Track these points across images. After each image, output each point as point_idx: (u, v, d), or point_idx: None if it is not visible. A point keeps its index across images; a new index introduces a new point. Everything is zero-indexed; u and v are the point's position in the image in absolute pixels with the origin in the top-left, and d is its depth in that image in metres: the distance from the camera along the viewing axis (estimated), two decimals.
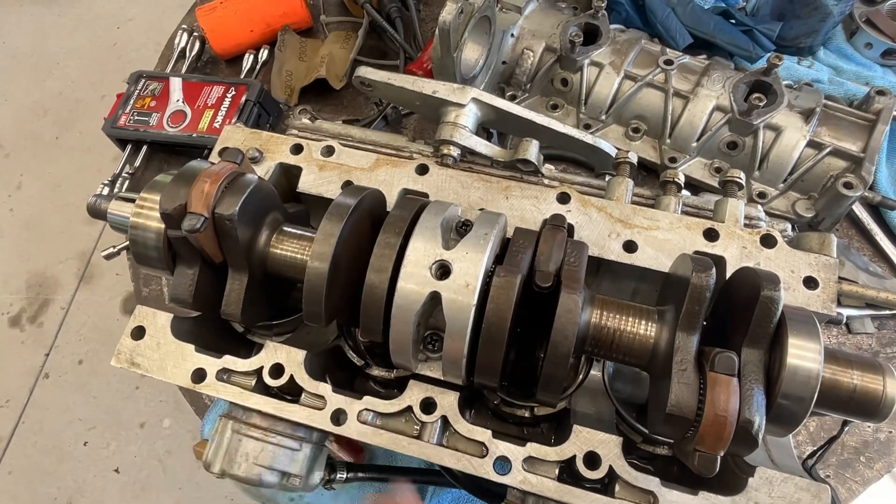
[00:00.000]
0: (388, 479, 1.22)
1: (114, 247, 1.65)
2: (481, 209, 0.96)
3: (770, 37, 1.64)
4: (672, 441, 0.83)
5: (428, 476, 1.22)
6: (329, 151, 1.04)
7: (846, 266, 1.43)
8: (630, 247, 0.92)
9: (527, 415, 0.98)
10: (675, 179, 1.00)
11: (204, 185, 0.82)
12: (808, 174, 1.45)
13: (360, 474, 1.11)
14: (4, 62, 4.89)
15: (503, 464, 0.82)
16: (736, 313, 0.76)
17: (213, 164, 0.88)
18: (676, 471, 0.93)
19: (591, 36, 1.63)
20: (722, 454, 0.70)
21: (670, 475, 0.86)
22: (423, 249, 0.77)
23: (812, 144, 1.43)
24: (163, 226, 0.88)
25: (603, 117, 1.62)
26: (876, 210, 1.52)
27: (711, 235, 0.92)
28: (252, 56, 1.81)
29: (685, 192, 1.07)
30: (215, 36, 1.81)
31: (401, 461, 1.33)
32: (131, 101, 1.77)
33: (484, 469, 0.82)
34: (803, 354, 0.70)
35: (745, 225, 0.97)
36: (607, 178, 1.10)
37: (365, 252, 0.81)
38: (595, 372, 0.98)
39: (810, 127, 1.42)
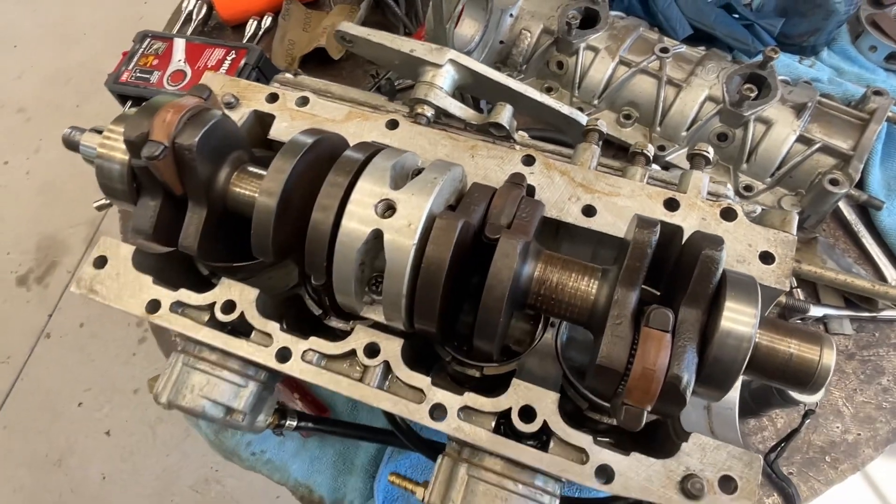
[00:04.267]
0: (343, 434, 1.22)
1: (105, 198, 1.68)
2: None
3: (771, 32, 1.63)
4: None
5: (382, 436, 1.22)
6: (304, 102, 1.06)
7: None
8: (589, 211, 0.92)
9: (477, 375, 0.98)
10: (644, 151, 1.00)
11: (167, 115, 0.84)
12: (796, 170, 1.43)
13: (310, 424, 1.12)
14: (33, 31, 5.01)
15: (439, 412, 0.83)
16: (684, 277, 0.76)
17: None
18: (624, 440, 0.92)
19: (591, 21, 1.63)
20: (649, 409, 0.69)
21: (621, 445, 0.85)
22: (369, 189, 0.78)
23: (802, 140, 1.41)
24: (127, 157, 0.90)
25: (596, 102, 1.62)
26: (865, 212, 1.50)
27: (672, 205, 0.91)
28: (256, 22, 1.83)
29: (655, 167, 1.07)
30: (222, 1, 1.83)
31: (363, 420, 1.33)
32: (135, 59, 1.81)
33: (419, 414, 0.82)
34: (738, 318, 0.69)
35: (712, 200, 0.96)
36: None
37: (319, 192, 0.82)
38: (549, 336, 0.98)
39: (801, 122, 1.41)
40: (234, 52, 1.75)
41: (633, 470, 0.77)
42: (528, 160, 0.96)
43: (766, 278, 0.85)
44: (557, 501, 0.84)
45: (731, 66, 1.50)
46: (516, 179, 0.92)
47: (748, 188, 1.47)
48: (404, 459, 1.31)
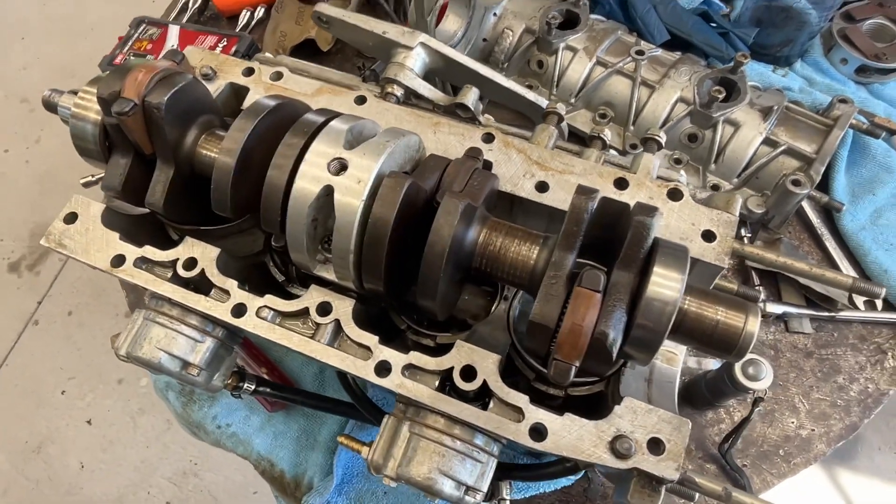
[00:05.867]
0: (303, 404, 1.25)
1: (92, 175, 1.72)
2: None
3: (745, 41, 1.68)
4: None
5: (343, 408, 1.25)
6: (278, 76, 1.10)
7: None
8: (542, 187, 0.95)
9: (431, 344, 1.01)
10: (601, 135, 1.04)
11: (138, 74, 0.88)
12: (761, 171, 1.47)
13: (268, 389, 1.15)
14: (42, 24, 5.09)
15: (384, 369, 0.85)
16: (621, 243, 0.79)
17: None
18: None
19: (571, 23, 1.67)
20: (577, 364, 0.72)
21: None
22: (323, 150, 0.81)
23: (768, 142, 1.45)
24: (100, 117, 0.94)
25: (573, 101, 1.66)
26: (829, 216, 1.54)
27: (621, 184, 0.95)
28: (249, 13, 1.89)
29: (613, 152, 1.10)
30: None
31: (328, 393, 1.36)
32: (129, 43, 1.86)
33: (365, 371, 0.85)
34: (664, 283, 0.72)
35: (662, 181, 1.00)
36: None
37: None
38: (503, 308, 1.01)
39: (768, 125, 1.45)
40: (225, 39, 1.80)
41: (566, 429, 0.80)
42: (488, 137, 1.00)
43: (707, 255, 0.88)
44: (495, 462, 0.86)
45: (703, 70, 1.54)
46: (473, 153, 0.95)
47: (715, 187, 1.50)
48: (365, 435, 1.33)
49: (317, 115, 0.87)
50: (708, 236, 0.90)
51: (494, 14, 1.70)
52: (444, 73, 1.19)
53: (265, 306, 0.91)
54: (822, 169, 1.39)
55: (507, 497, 1.11)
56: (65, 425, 3.58)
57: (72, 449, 3.51)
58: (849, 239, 1.49)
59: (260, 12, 1.89)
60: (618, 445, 0.77)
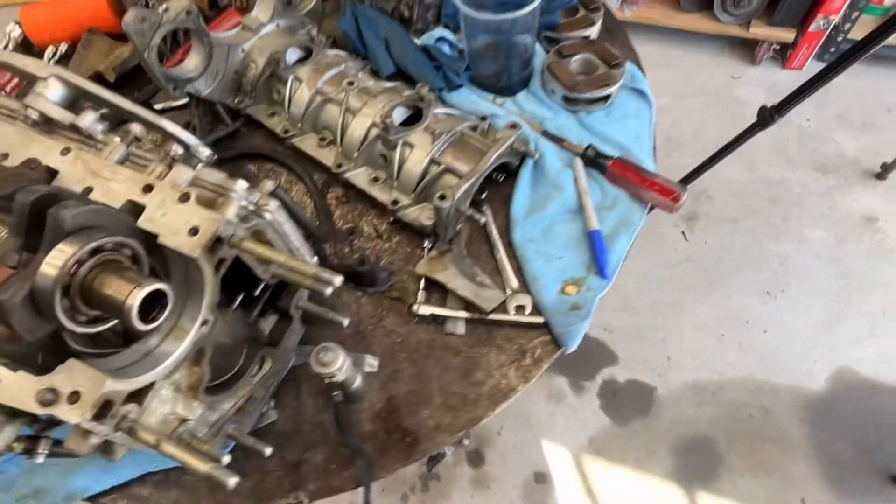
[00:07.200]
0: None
1: None
2: None
3: (458, 72, 1.86)
4: None
5: None
6: None
7: (450, 271, 1.60)
8: (88, 191, 1.15)
9: None
10: (172, 154, 1.23)
11: None
12: (431, 187, 1.64)
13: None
14: None
15: None
16: None
17: None
18: None
19: (307, 56, 1.89)
20: None
21: None
22: None
23: (434, 162, 1.62)
24: None
25: (300, 125, 1.86)
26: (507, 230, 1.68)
27: (148, 189, 1.13)
28: (54, 49, 2.16)
29: (207, 169, 1.28)
30: (30, 29, 2.17)
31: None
32: None
33: None
34: (53, 260, 0.90)
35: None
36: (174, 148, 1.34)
37: None
38: None
39: (436, 147, 1.62)
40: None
41: (16, 383, 0.97)
42: (65, 151, 1.20)
43: (184, 245, 1.06)
44: None
45: (398, 99, 1.73)
46: (31, 164, 1.16)
47: (395, 202, 1.67)
48: None
49: None
50: (193, 231, 1.07)
51: (242, 50, 1.93)
52: (88, 98, 1.40)
53: None
54: (467, 186, 1.55)
55: None
56: None
57: None
58: (517, 250, 1.64)
59: (63, 48, 2.16)
60: (45, 396, 0.94)
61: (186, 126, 1.95)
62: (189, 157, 1.36)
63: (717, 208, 4.18)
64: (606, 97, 1.82)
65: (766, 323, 3.70)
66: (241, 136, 2.01)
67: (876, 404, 3.41)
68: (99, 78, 2.10)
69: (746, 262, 3.94)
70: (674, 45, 4.96)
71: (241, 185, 1.20)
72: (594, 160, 1.70)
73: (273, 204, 1.24)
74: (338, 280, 1.07)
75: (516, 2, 1.71)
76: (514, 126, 1.65)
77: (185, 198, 1.12)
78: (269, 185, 1.31)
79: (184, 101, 2.07)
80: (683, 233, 4.09)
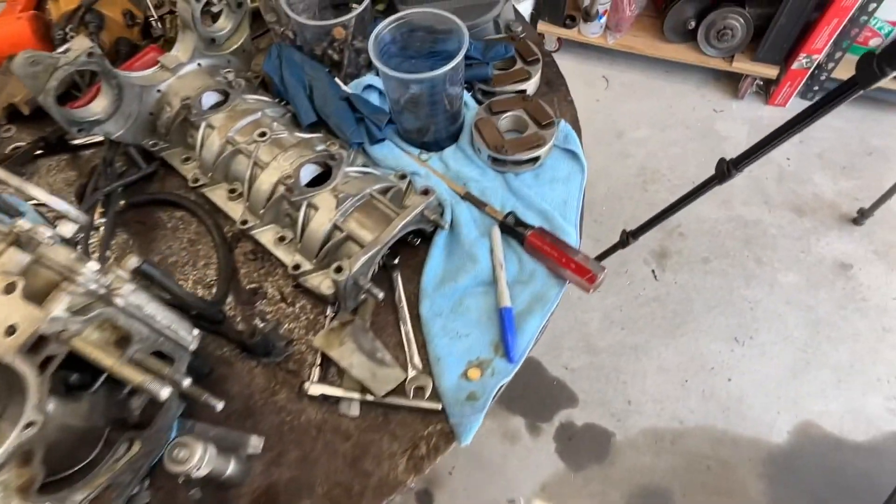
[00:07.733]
0: None
1: None
2: None
3: (379, 126, 1.76)
4: None
5: None
6: None
7: (346, 346, 1.49)
8: None
9: None
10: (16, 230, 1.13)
11: None
12: (334, 254, 1.54)
13: None
14: None
15: None
16: None
17: None
18: None
19: (224, 101, 1.79)
20: None
21: None
22: None
23: (337, 228, 1.52)
24: None
25: (210, 174, 1.76)
26: (416, 304, 1.58)
27: None
28: None
29: (57, 247, 1.17)
30: None
31: None
32: None
33: None
34: None
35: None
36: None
37: None
38: None
39: (339, 212, 1.52)
40: None
41: None
42: None
43: (2, 346, 0.96)
44: None
45: (309, 154, 1.63)
46: None
47: (297, 266, 1.57)
48: None
49: None
50: (10, 331, 0.97)
51: (158, 91, 1.83)
52: None
53: None
54: (365, 258, 1.44)
55: None
56: None
57: None
58: (423, 325, 1.53)
59: None
60: None
61: (102, 162, 1.87)
62: (68, 222, 1.25)
63: (689, 247, 4.07)
64: (535, 159, 1.72)
65: (732, 370, 3.59)
66: (157, 178, 1.91)
67: (837, 461, 3.30)
68: (13, 111, 2.00)
69: (716, 305, 3.83)
70: (658, 75, 4.85)
71: (91, 267, 1.09)
72: (513, 229, 1.59)
73: (127, 288, 1.14)
74: (165, 392, 0.96)
75: (448, 53, 1.61)
76: (426, 192, 1.55)
77: (10, 288, 1.01)
78: (133, 261, 1.21)
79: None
80: (654, 272, 3.98)
